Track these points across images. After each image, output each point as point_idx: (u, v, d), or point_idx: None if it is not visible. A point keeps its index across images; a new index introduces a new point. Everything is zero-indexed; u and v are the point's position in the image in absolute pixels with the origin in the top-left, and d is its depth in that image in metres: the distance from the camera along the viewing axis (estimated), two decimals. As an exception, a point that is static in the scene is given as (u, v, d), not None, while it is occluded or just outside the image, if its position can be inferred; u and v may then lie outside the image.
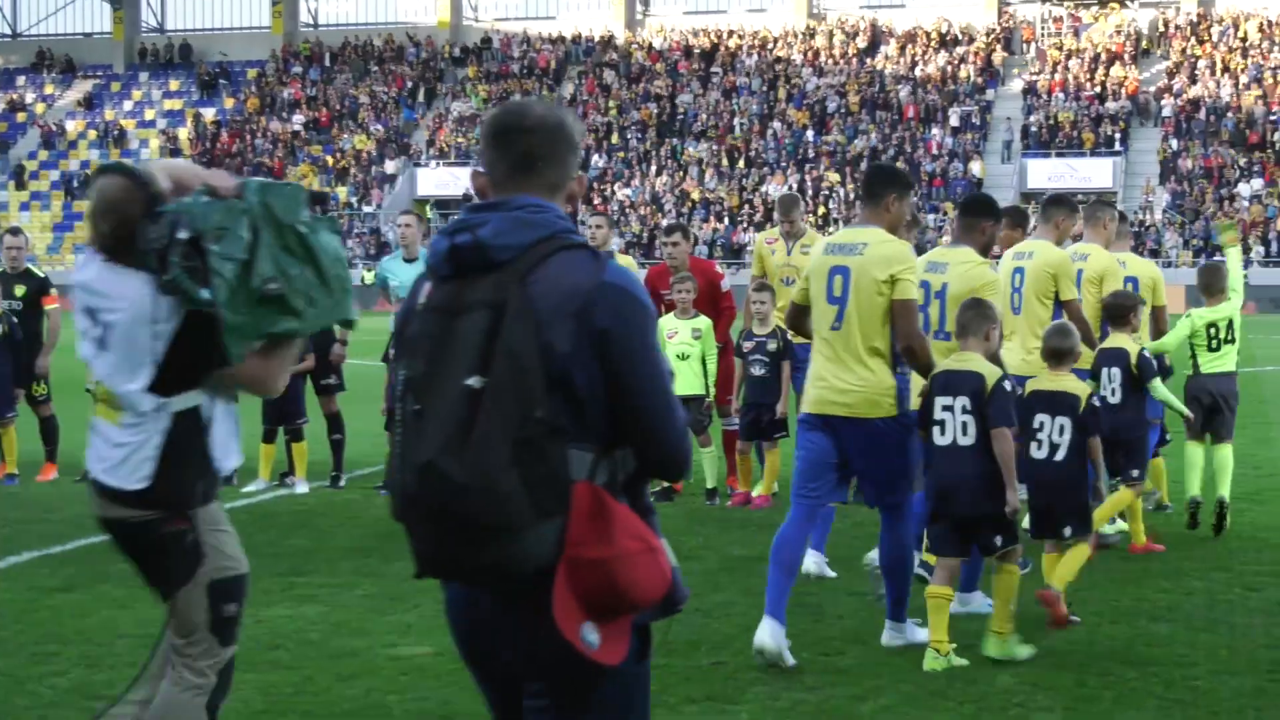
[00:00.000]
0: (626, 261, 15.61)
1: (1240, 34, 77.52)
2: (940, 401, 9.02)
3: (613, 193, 73.38)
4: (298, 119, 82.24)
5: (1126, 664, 8.76)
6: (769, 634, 8.77)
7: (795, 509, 9.20)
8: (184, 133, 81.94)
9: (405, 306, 4.33)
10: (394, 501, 4.19)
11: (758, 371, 14.31)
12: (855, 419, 8.95)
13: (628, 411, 4.11)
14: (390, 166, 78.45)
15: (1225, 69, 75.44)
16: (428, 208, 74.02)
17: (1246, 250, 63.76)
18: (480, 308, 4.05)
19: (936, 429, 9.06)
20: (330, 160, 79.20)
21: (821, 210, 69.74)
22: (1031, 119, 74.59)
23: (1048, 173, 72.16)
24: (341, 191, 76.72)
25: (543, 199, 4.28)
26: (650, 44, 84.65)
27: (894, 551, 9.22)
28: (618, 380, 4.09)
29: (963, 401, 8.94)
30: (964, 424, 8.96)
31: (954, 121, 75.22)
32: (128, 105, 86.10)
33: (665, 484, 14.72)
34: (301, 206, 5.87)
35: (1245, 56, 76.02)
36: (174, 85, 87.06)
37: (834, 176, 72.28)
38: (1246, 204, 66.14)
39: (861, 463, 9.07)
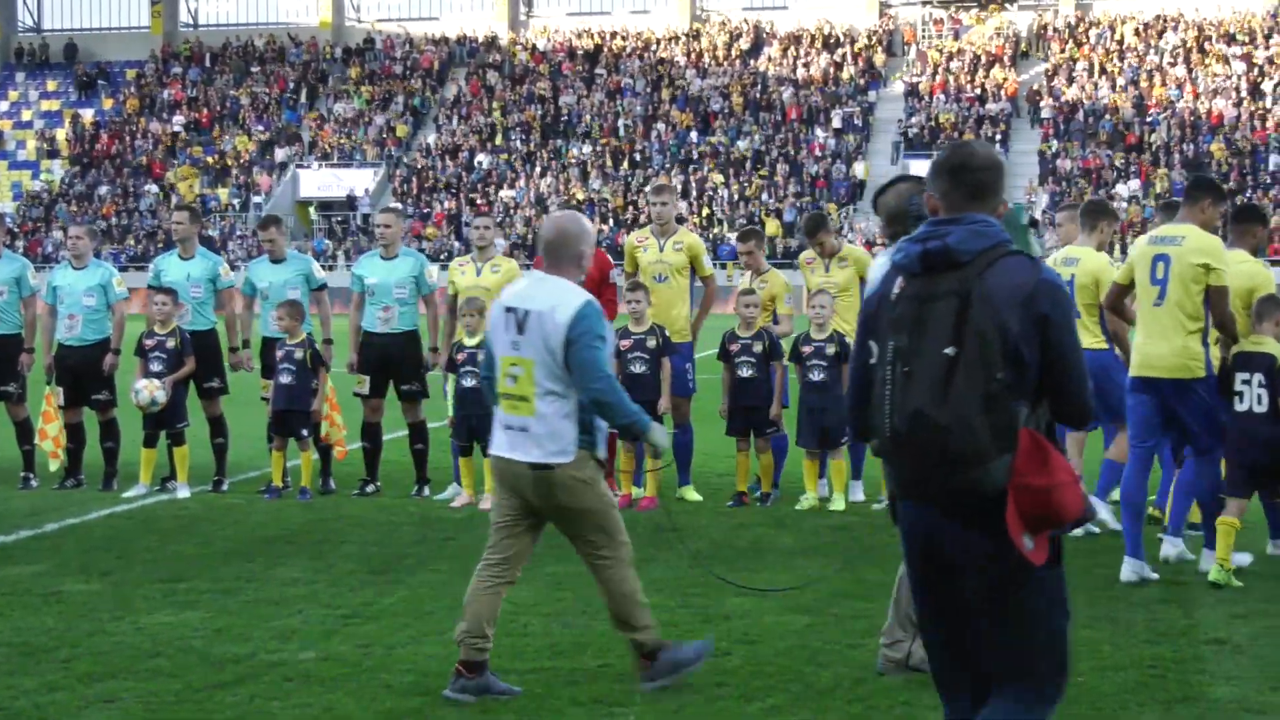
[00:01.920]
0: (509, 266, 15.49)
1: (1117, 37, 78.51)
2: (1239, 376, 11.03)
3: (497, 194, 73.18)
4: (178, 120, 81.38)
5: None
6: (1131, 570, 10.93)
7: (1132, 458, 11.19)
8: (61, 134, 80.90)
9: (876, 294, 5.69)
10: (880, 442, 5.52)
11: (637, 369, 14.28)
12: (1174, 380, 10.94)
13: (1056, 375, 5.43)
14: (281, 155, 77.93)
15: (1103, 71, 76.38)
16: (310, 210, 73.58)
17: (1124, 250, 64.61)
18: (949, 296, 5.40)
19: (1236, 398, 11.04)
20: (211, 161, 78.44)
21: (705, 211, 69.91)
22: (913, 120, 75.14)
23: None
24: (223, 193, 76.01)
25: (987, 216, 5.58)
26: (534, 45, 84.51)
27: (1210, 487, 11.12)
28: (1051, 352, 5.40)
29: (1259, 377, 10.93)
30: (1259, 395, 10.94)
31: (836, 123, 75.63)
32: (4, 106, 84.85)
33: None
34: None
35: (1122, 59, 77.01)
36: (51, 86, 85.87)
37: (717, 177, 72.48)
38: (1124, 204, 66.99)
39: (1182, 415, 10.99)
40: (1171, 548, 11.51)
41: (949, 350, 5.35)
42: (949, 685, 5.76)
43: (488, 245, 15.50)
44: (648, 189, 15.61)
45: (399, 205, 68.79)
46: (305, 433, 15.14)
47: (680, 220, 65.53)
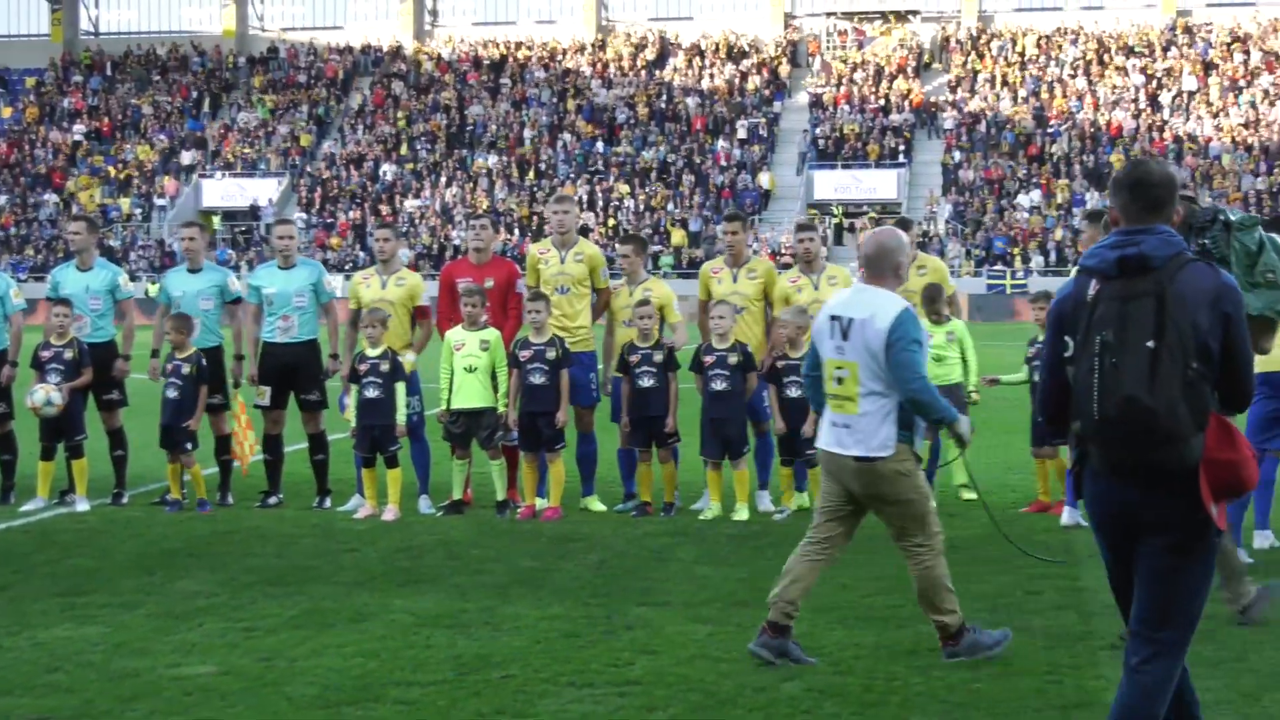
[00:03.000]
0: (414, 280, 15.45)
1: (1019, 49, 79.24)
2: None
3: (402, 204, 72.93)
4: (78, 129, 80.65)
5: (911, 669, 8.87)
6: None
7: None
8: (-40, 143, 80.00)
9: (1068, 296, 6.46)
10: (1086, 424, 6.23)
11: (536, 380, 14.29)
12: None
13: (1233, 365, 6.25)
14: (186, 158, 77.40)
15: (1004, 83, 77.05)
16: (215, 220, 73.02)
17: (1026, 260, 65.25)
18: (1146, 296, 6.15)
19: None
20: (112, 171, 77.76)
21: (611, 222, 69.96)
22: (818, 131, 75.51)
23: (834, 184, 73.17)
24: (124, 203, 75.36)
25: (1168, 227, 6.35)
26: (439, 55, 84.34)
27: None
28: (1231, 345, 6.22)
29: None
30: None
31: (742, 133, 75.90)
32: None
33: (456, 498, 14.65)
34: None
35: (1023, 71, 77.71)
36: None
37: (623, 188, 72.56)
38: (1026, 215, 67.60)
39: None
40: (1264, 539, 12.42)
41: (1150, 343, 6.10)
42: (1127, 617, 6.60)
43: (390, 257, 15.44)
44: (550, 199, 15.55)
45: (298, 216, 68.52)
46: (190, 447, 14.99)
47: (585, 231, 65.62)
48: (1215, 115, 73.45)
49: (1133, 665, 6.36)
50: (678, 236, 68.70)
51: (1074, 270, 6.85)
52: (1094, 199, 68.82)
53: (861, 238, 8.92)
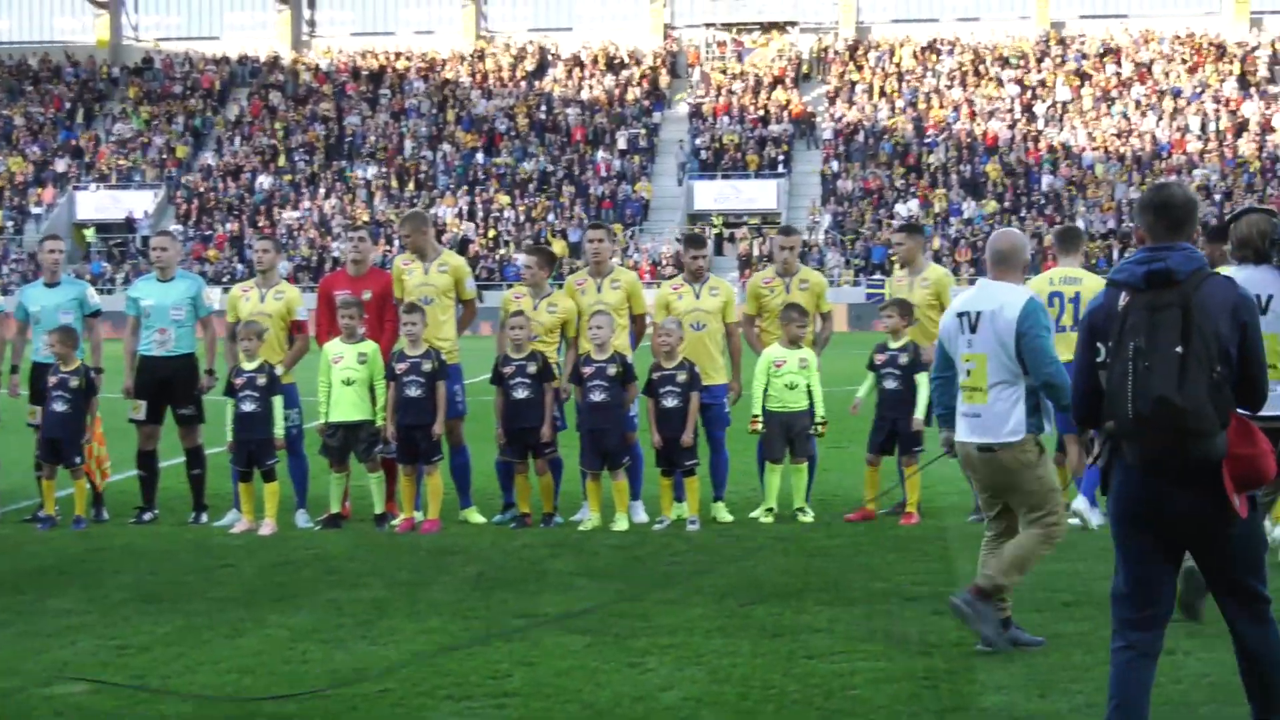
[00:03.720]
0: (292, 293, 15.30)
1: (895, 59, 79.92)
2: None
3: (280, 216, 72.41)
4: (-51, 141, 79.51)
5: (788, 677, 8.90)
6: None
7: None
8: None
9: (1100, 307, 7.09)
10: (1120, 423, 6.84)
11: (413, 392, 14.23)
12: None
13: (1250, 368, 6.90)
14: (60, 167, 76.45)
15: (882, 93, 77.67)
16: (89, 232, 72.21)
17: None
18: (1173, 306, 6.80)
19: None
20: (-15, 183, 76.73)
21: (492, 233, 69.83)
22: (698, 141, 75.76)
23: (714, 194, 73.44)
24: (-3, 216, 74.34)
25: (1190, 245, 7.02)
26: (317, 65, 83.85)
27: None
28: (1248, 351, 6.89)
29: None
30: None
31: (622, 144, 76.01)
32: None
33: (334, 512, 14.55)
34: None
35: (901, 81, 78.37)
36: None
37: (504, 199, 72.46)
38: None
39: None
40: None
41: (1178, 349, 6.74)
42: (1129, 617, 7.14)
43: (269, 269, 15.32)
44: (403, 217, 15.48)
45: (175, 228, 67.88)
46: (79, 460, 14.85)
47: (465, 243, 65.50)
48: (1088, 125, 74.44)
49: (1239, 630, 7.13)
50: (558, 247, 68.63)
51: (1103, 283, 7.63)
52: (971, 208, 69.54)
53: (992, 236, 9.99)
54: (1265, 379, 7.00)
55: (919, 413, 14.38)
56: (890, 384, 14.55)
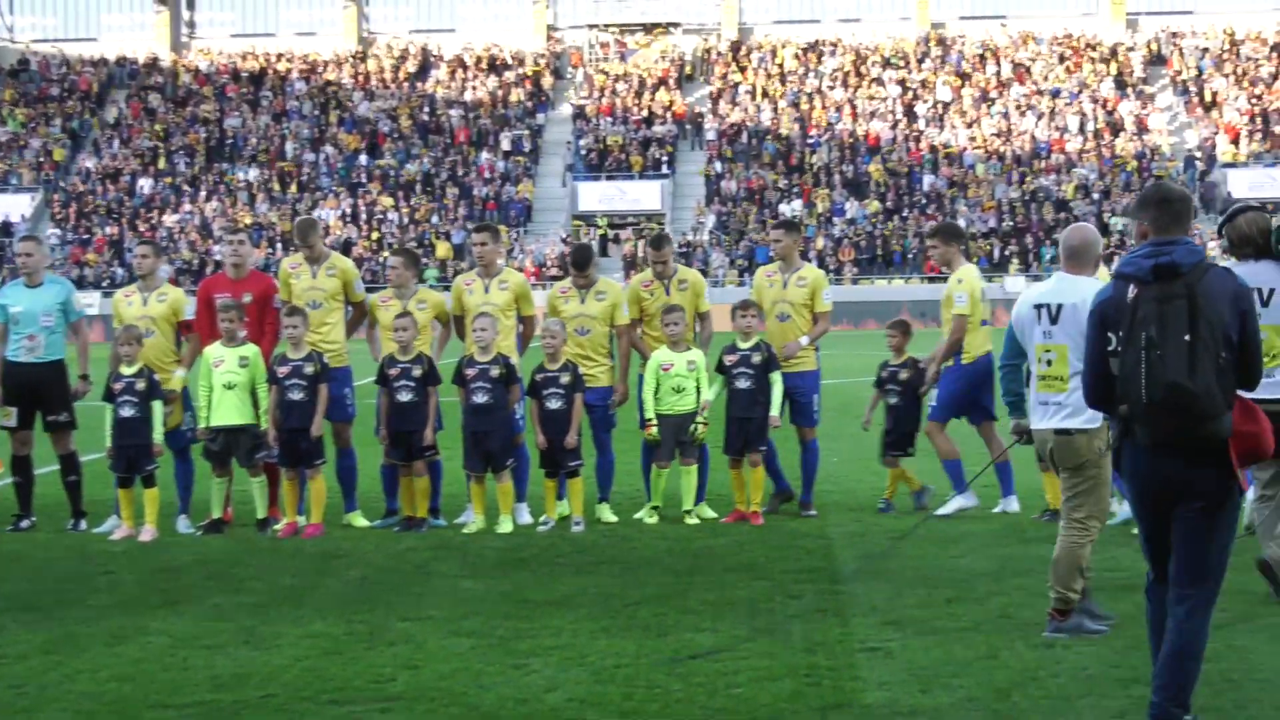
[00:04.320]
0: (175, 294, 15.13)
1: (778, 60, 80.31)
2: None
3: (160, 219, 71.68)
4: None
5: (672, 676, 8.92)
6: None
7: None
8: None
9: (1109, 299, 7.62)
10: (1134, 406, 7.40)
11: (295, 395, 14.15)
12: None
13: (1248, 353, 7.43)
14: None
15: (765, 94, 78.02)
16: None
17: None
18: (1179, 298, 7.33)
19: None
20: None
21: (375, 235, 69.49)
22: (582, 142, 75.77)
23: (598, 195, 73.48)
24: None
25: (1189, 238, 7.53)
26: (197, 67, 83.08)
27: None
28: (1245, 336, 7.40)
29: None
30: None
31: (505, 145, 75.90)
32: None
33: (216, 517, 14.42)
34: None
35: (783, 82, 78.76)
36: None
37: (387, 201, 72.14)
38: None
39: None
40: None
41: (1187, 337, 7.27)
42: (1158, 563, 7.76)
43: (150, 273, 15.16)
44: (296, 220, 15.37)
45: (52, 232, 67.04)
46: None
47: (348, 245, 65.13)
48: (969, 125, 75.16)
49: (1179, 616, 7.52)
50: (442, 249, 68.47)
51: (1109, 276, 8.00)
52: (854, 208, 70.01)
53: (1065, 231, 10.44)
54: (1261, 362, 7.55)
55: (775, 410, 14.52)
56: (743, 383, 14.57)
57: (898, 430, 15.17)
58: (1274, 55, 78.36)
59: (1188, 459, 7.44)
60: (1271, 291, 10.35)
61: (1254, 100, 75.34)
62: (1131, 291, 7.49)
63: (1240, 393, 7.46)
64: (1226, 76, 77.14)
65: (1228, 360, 7.35)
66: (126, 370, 14.30)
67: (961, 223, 67.01)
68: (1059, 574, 9.77)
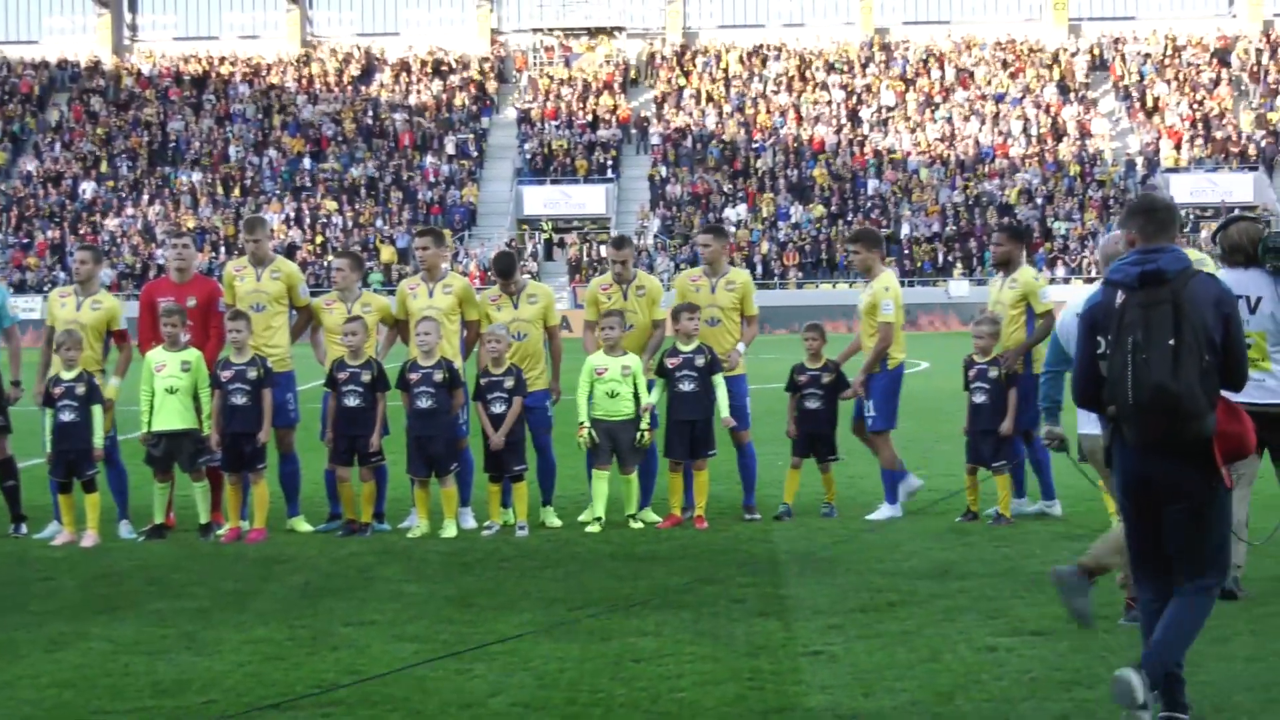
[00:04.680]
0: (111, 302, 15.00)
1: (722, 65, 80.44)
2: None
3: (103, 223, 71.27)
4: None
5: (616, 681, 8.91)
6: None
7: None
8: None
9: (1098, 304, 7.90)
10: (1121, 407, 7.67)
11: (238, 400, 14.10)
12: None
13: (1231, 356, 7.71)
14: None
15: (709, 98, 78.13)
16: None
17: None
18: (1164, 303, 7.62)
19: None
20: None
21: (320, 239, 69.27)
22: (526, 147, 75.71)
23: (543, 200, 73.50)
24: None
25: (1176, 246, 7.89)
26: (139, 70, 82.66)
27: None
28: (1229, 340, 7.70)
29: None
30: None
31: (450, 149, 75.78)
32: None
33: (158, 522, 14.35)
34: None
35: (728, 87, 78.89)
36: None
37: (331, 204, 71.93)
38: (733, 228, 68.61)
39: None
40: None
41: (1171, 341, 7.55)
42: (1146, 573, 8.02)
43: (88, 279, 15.01)
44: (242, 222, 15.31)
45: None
46: None
47: (292, 249, 64.90)
48: (913, 130, 75.44)
49: (1179, 603, 7.77)
50: (386, 253, 68.32)
51: (1099, 283, 8.23)
52: (799, 212, 70.20)
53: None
54: (1245, 365, 7.85)
55: (725, 411, 14.53)
56: (687, 386, 14.55)
57: (817, 434, 15.10)
58: (1214, 61, 78.98)
59: (1174, 459, 7.70)
60: (1259, 299, 10.65)
61: (1195, 105, 75.91)
62: (1119, 297, 7.78)
63: (1225, 394, 7.73)
64: (1168, 82, 77.71)
65: (1211, 363, 7.61)
66: (66, 374, 14.20)
67: (905, 228, 67.32)
68: (1106, 545, 9.94)
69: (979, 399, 14.68)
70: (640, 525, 14.45)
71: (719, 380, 14.53)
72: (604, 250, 57.15)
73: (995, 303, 15.09)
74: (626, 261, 15.15)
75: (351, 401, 14.29)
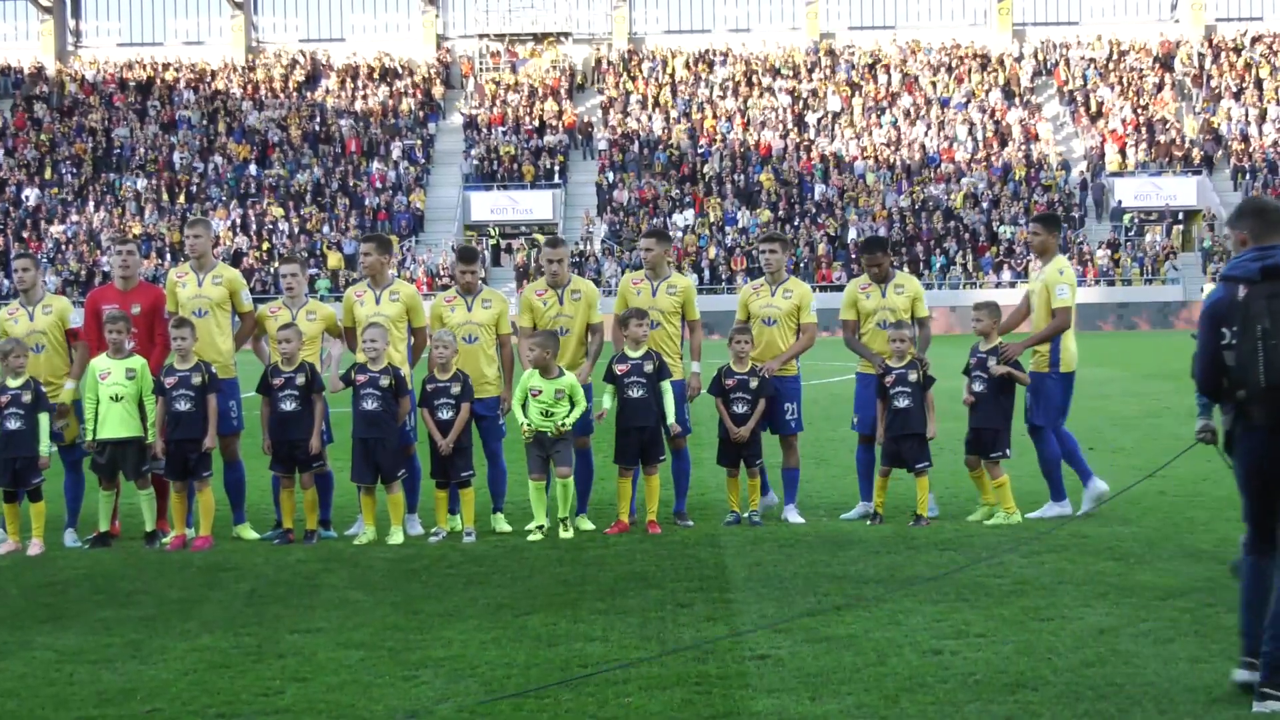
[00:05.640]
0: (61, 305, 14.93)
1: (669, 70, 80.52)
2: None
3: (47, 230, 70.83)
4: None
5: (563, 686, 8.93)
6: None
7: None
8: None
9: (1221, 298, 8.51)
10: (1251, 391, 8.36)
11: (183, 406, 14.05)
12: None
13: None
14: None
15: (656, 103, 78.20)
16: None
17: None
18: None
19: None
20: None
21: (267, 245, 69.01)
22: (473, 152, 75.63)
23: (490, 205, 73.44)
24: None
25: None
26: (83, 76, 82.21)
27: None
28: None
29: None
30: None
31: (396, 155, 75.63)
32: None
33: (103, 530, 14.28)
34: None
35: (674, 92, 78.97)
36: None
37: (277, 210, 71.68)
38: (680, 233, 68.67)
39: None
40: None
41: None
42: (1259, 536, 8.62)
43: (31, 286, 14.94)
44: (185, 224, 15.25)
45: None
46: None
47: (239, 256, 64.62)
48: (859, 135, 75.68)
49: None
50: (333, 259, 68.13)
51: (1216, 279, 8.59)
52: (746, 217, 70.29)
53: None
54: None
55: (671, 418, 14.53)
56: (636, 393, 14.50)
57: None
58: (1158, 66, 79.46)
59: None
60: None
61: (1139, 110, 76.35)
62: (1241, 291, 8.43)
63: None
64: (1112, 87, 78.14)
65: None
66: (12, 383, 14.13)
67: (853, 232, 67.53)
68: None
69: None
70: (569, 533, 14.32)
71: (666, 386, 14.53)
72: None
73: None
74: (563, 261, 15.09)
75: (288, 406, 14.26)
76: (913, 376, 14.69)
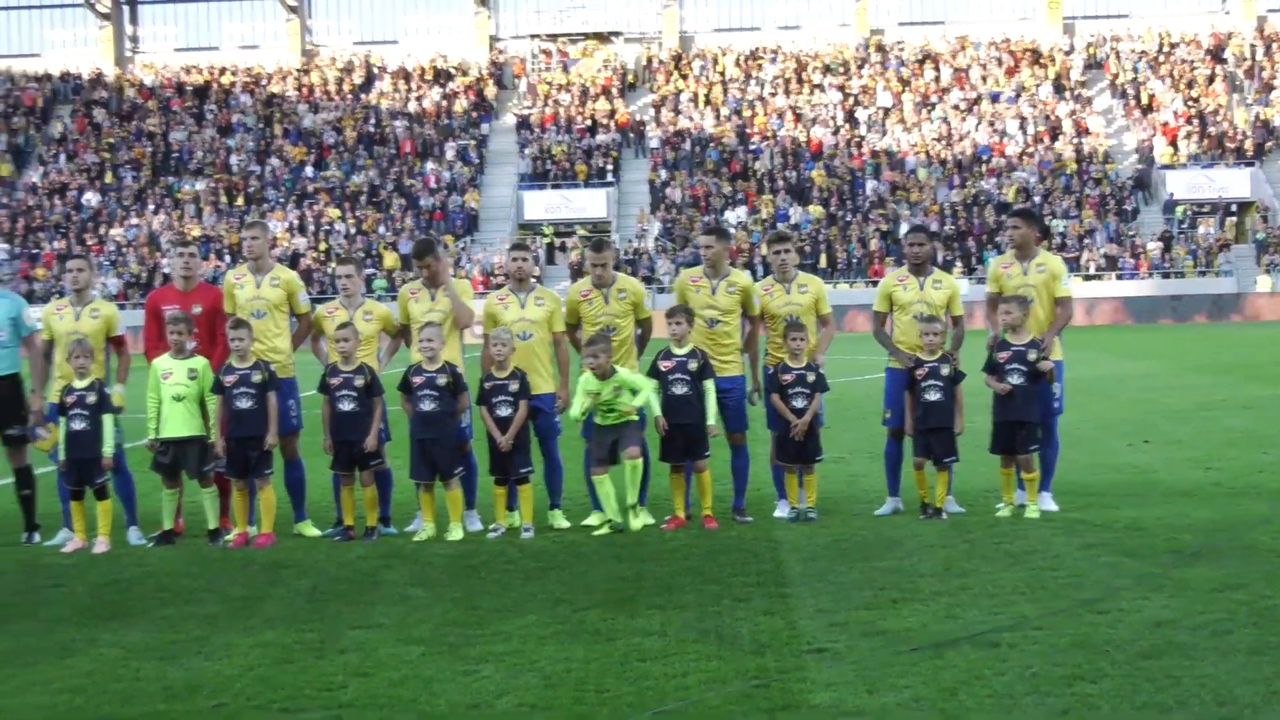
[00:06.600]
0: (109, 310, 15.00)
1: (719, 68, 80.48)
2: None
3: (108, 233, 71.35)
4: None
5: (622, 680, 8.99)
6: None
7: None
8: None
9: None
10: None
11: (243, 405, 14.20)
12: None
13: None
14: None
15: (707, 101, 78.18)
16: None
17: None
18: None
19: None
20: None
21: (324, 246, 69.31)
22: (526, 151, 75.77)
23: (544, 204, 73.55)
24: None
25: None
26: (141, 81, 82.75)
27: None
28: None
29: None
30: None
31: (450, 155, 75.83)
32: None
33: (167, 528, 14.44)
34: None
35: (725, 89, 78.94)
36: None
37: (334, 212, 71.98)
38: (733, 231, 68.64)
39: None
40: None
41: None
42: None
43: (84, 287, 15.06)
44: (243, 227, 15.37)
45: (1, 247, 66.65)
46: None
47: (296, 257, 64.91)
48: (910, 130, 75.48)
49: None
50: (390, 259, 68.35)
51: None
52: (798, 213, 70.21)
53: None
54: None
55: (711, 418, 14.55)
56: (680, 390, 14.51)
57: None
58: (1208, 58, 78.98)
59: None
60: None
61: (1190, 102, 75.90)
62: None
63: None
64: (1163, 79, 77.71)
65: None
66: (78, 383, 14.30)
67: (904, 228, 67.33)
68: None
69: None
70: (640, 521, 14.45)
71: (709, 385, 14.54)
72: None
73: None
74: (606, 264, 15.09)
75: (346, 406, 14.38)
76: (945, 370, 14.73)
